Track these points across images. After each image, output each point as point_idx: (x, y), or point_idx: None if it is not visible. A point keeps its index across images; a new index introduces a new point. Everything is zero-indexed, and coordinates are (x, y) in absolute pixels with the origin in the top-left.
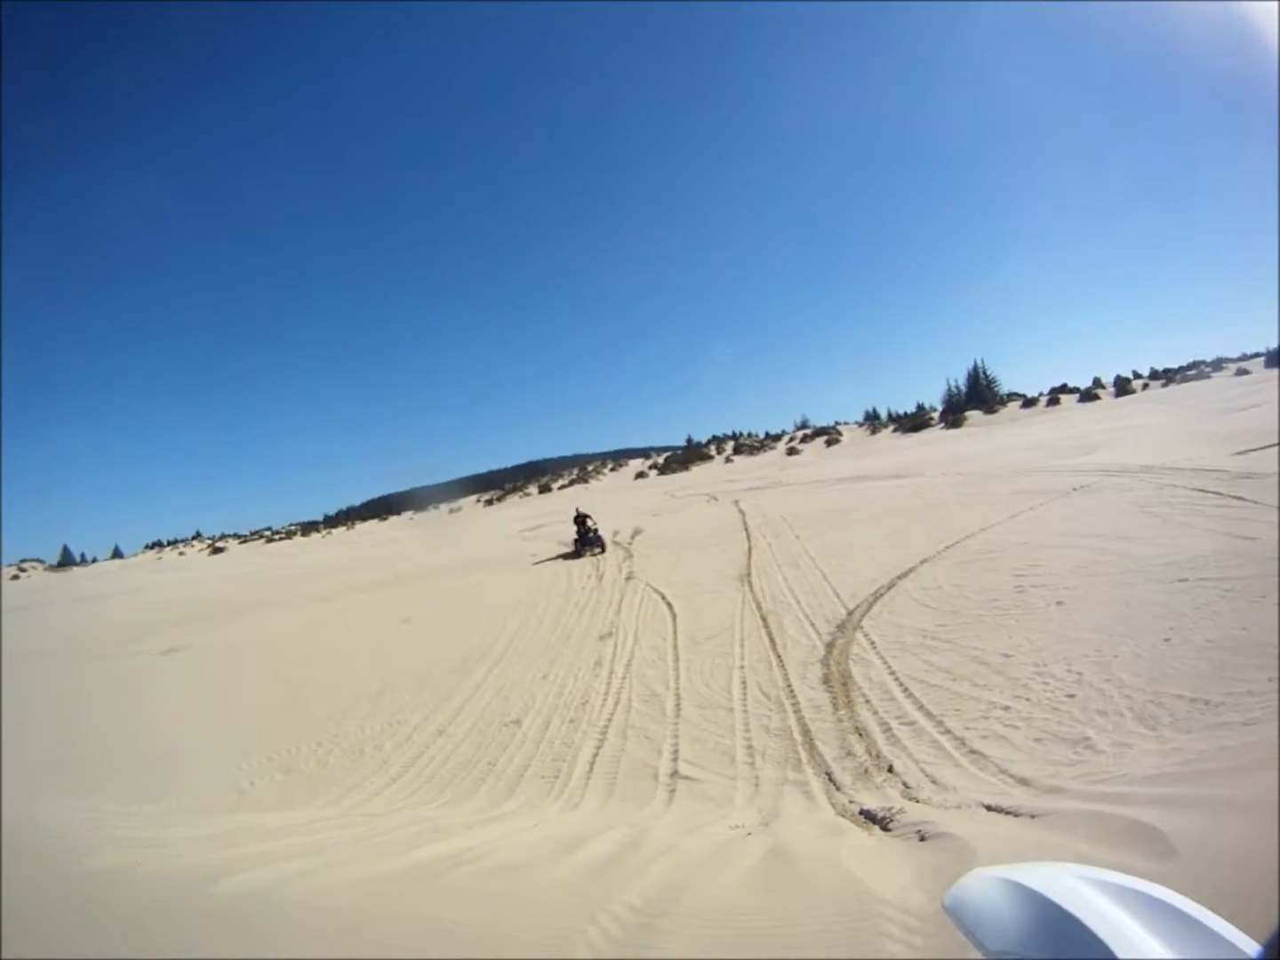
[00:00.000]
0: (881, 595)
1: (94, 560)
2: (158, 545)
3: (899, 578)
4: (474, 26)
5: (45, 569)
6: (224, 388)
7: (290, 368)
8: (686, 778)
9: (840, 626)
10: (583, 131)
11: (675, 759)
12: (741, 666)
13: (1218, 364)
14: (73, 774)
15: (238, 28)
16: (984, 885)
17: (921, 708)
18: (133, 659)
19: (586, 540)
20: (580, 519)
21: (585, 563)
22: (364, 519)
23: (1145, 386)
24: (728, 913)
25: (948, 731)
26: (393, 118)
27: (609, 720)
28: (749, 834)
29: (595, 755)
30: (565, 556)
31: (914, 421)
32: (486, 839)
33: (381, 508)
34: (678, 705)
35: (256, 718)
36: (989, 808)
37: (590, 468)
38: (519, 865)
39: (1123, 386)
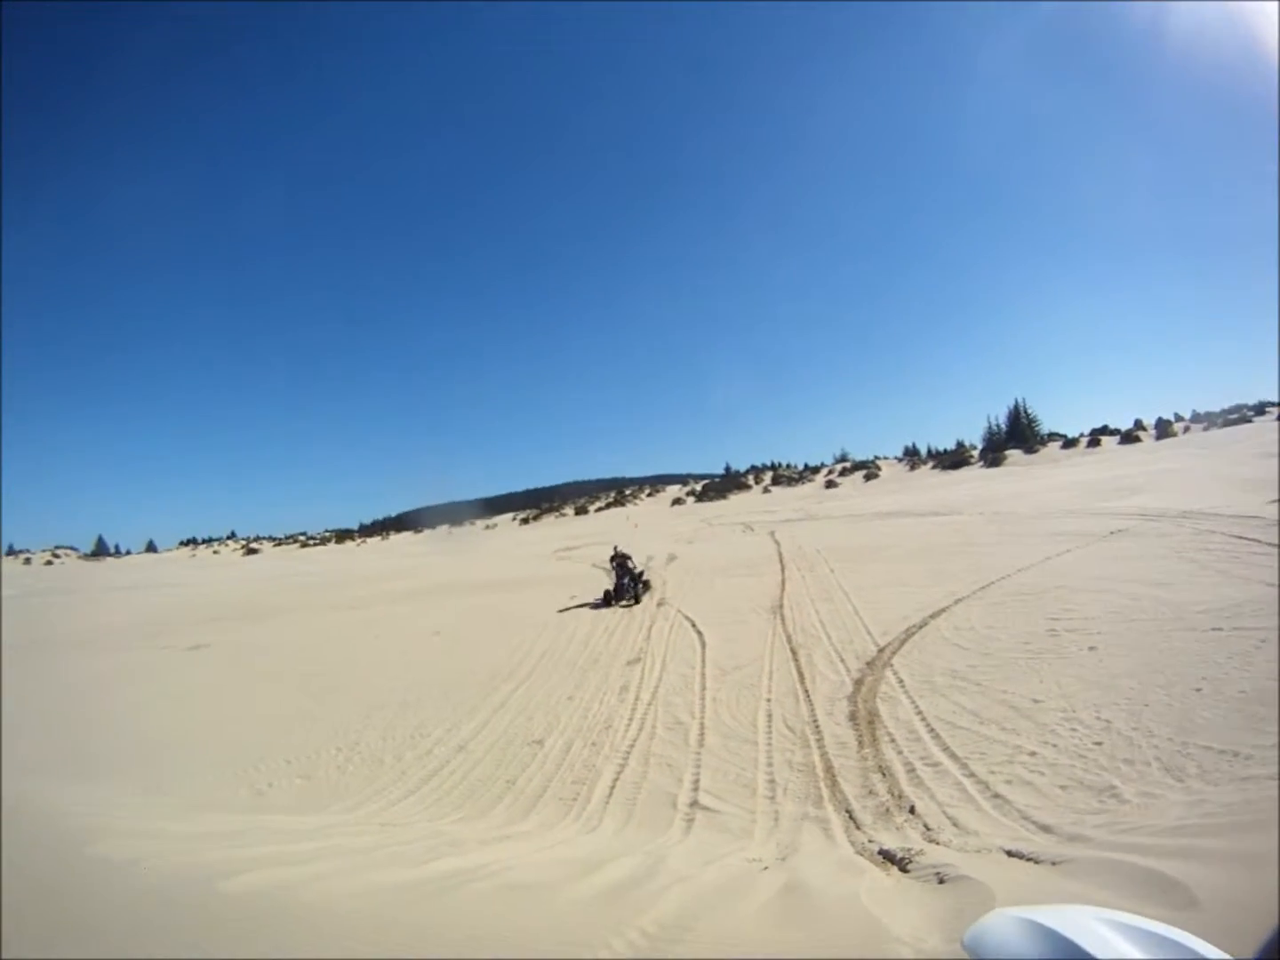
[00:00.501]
0: (913, 633)
1: (127, 552)
2: (192, 542)
3: (932, 616)
4: (503, 48)
5: (79, 557)
6: (270, 394)
7: (337, 376)
8: (706, 808)
9: (870, 663)
10: (622, 150)
11: (696, 789)
12: (768, 699)
13: (1260, 408)
14: (86, 763)
15: (295, 28)
16: (1004, 925)
17: (947, 749)
18: (158, 652)
19: (622, 590)
20: (619, 560)
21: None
22: (399, 530)
23: (1186, 429)
24: (741, 944)
25: (972, 775)
26: (429, 128)
27: (631, 746)
28: (765, 868)
29: (616, 780)
30: (593, 606)
31: (953, 459)
32: (502, 856)
33: (416, 520)
34: (701, 735)
35: (278, 720)
36: (1010, 853)
37: (628, 491)
38: (534, 884)
39: (1164, 429)
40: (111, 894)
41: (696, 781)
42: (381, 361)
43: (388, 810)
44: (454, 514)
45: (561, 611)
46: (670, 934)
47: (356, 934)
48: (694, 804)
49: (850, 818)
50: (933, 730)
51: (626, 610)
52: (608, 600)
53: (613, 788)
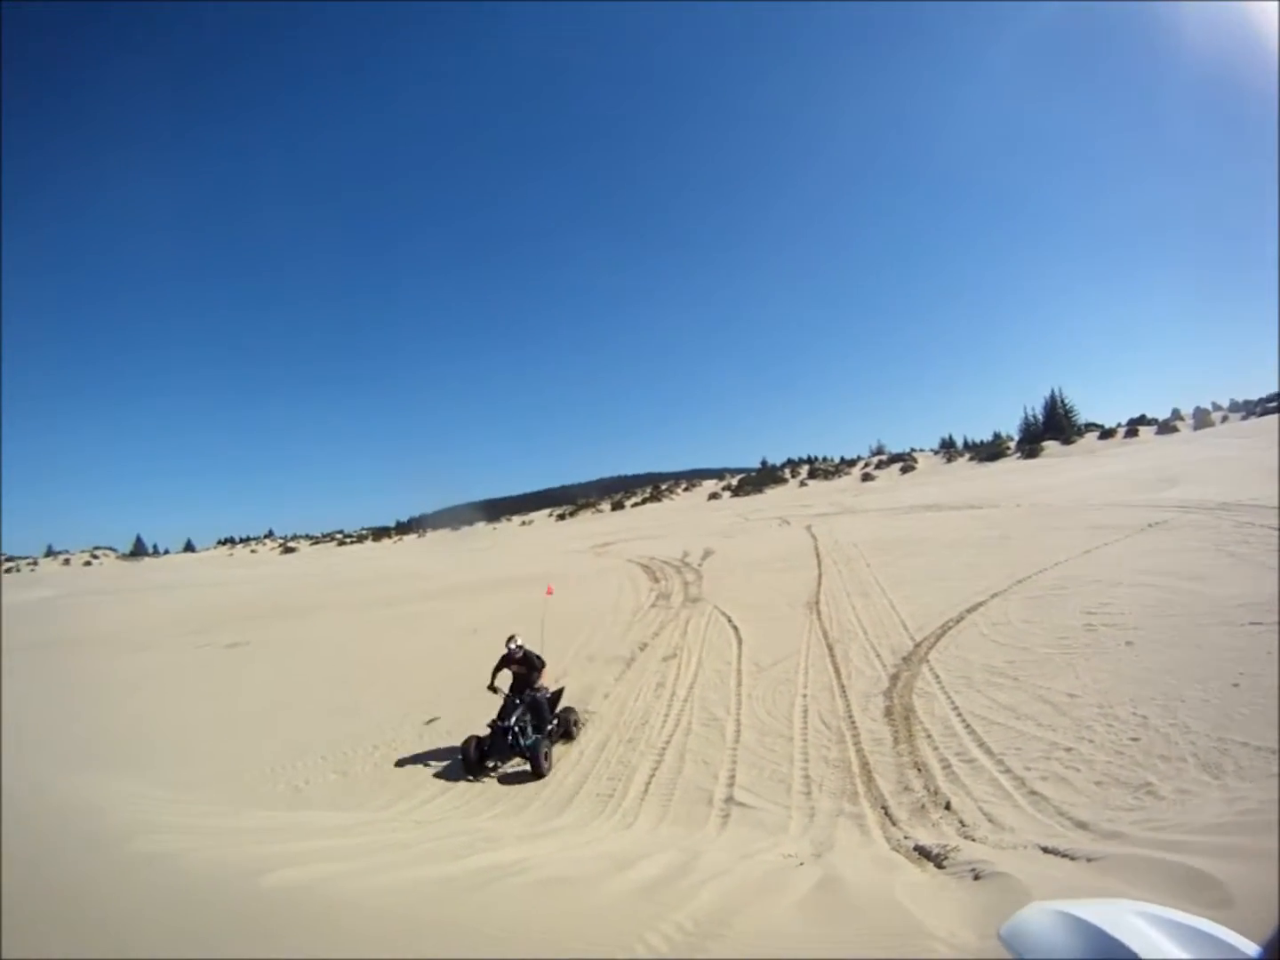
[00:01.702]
0: (950, 628)
1: (165, 552)
2: (230, 541)
3: (968, 611)
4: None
5: (117, 557)
6: (308, 395)
7: (376, 374)
8: (741, 804)
9: (906, 659)
10: (658, 155)
11: (731, 785)
12: (804, 695)
13: None
14: (128, 759)
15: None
16: (1041, 918)
17: (983, 745)
18: (197, 651)
19: (503, 737)
20: (516, 663)
21: (651, 580)
22: (435, 528)
23: (1224, 418)
24: (777, 939)
25: (1008, 771)
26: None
27: (668, 742)
28: (801, 864)
29: (651, 776)
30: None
31: (990, 451)
32: (538, 852)
33: (453, 517)
34: (738, 731)
35: (315, 716)
36: (1046, 850)
37: (664, 486)
38: (571, 879)
39: (1202, 419)
40: (152, 889)
41: (732, 777)
42: (421, 360)
43: (423, 807)
44: (491, 511)
45: (601, 597)
46: (706, 929)
47: (393, 929)
48: (729, 800)
49: (886, 814)
50: (969, 726)
51: (664, 606)
52: (470, 761)
53: (648, 784)
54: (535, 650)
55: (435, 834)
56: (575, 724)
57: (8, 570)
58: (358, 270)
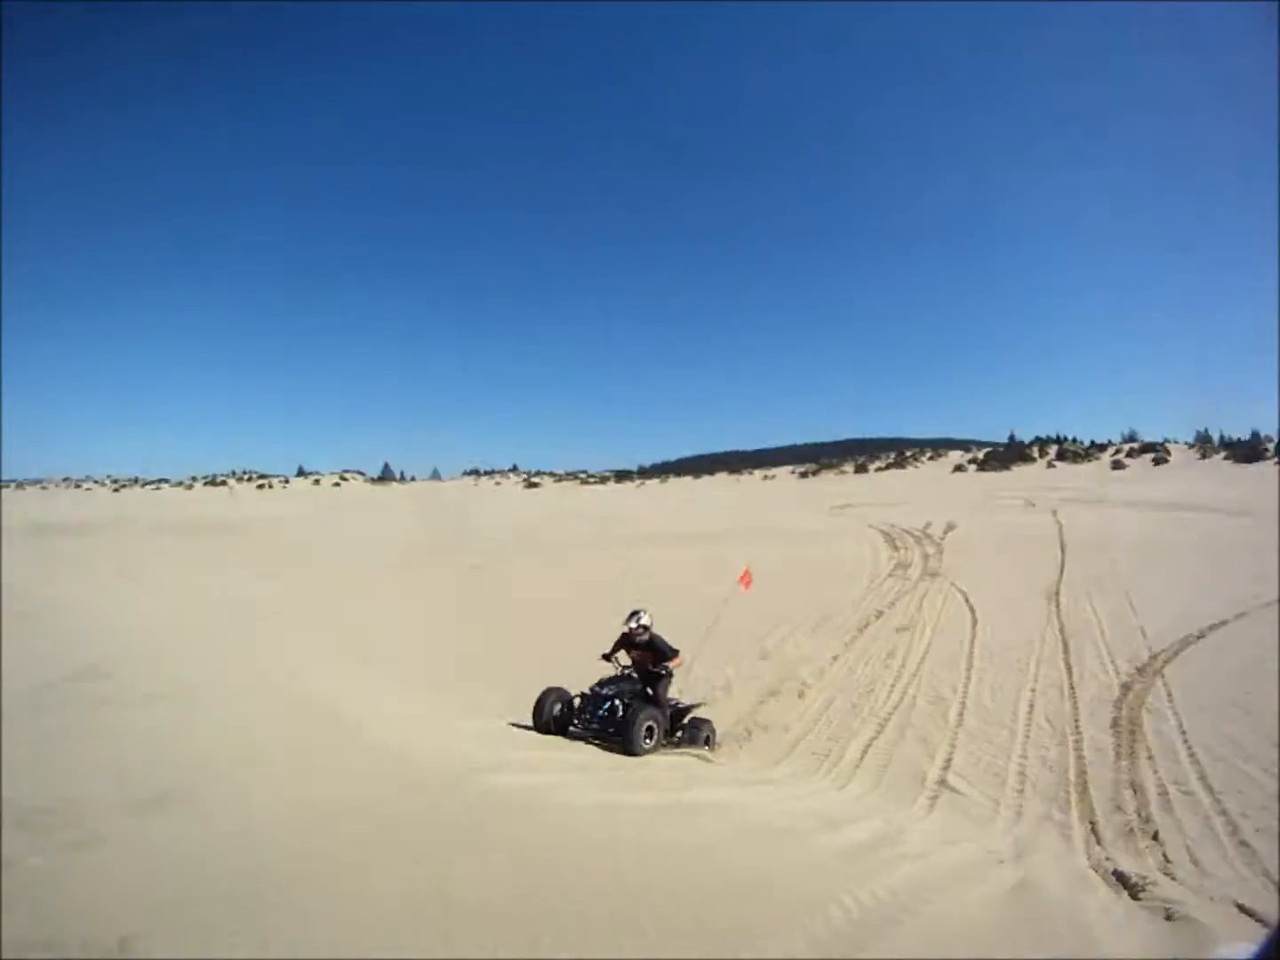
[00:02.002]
0: (1190, 643)
1: (411, 479)
2: (475, 473)
3: (1211, 628)
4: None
5: (365, 480)
6: (574, 333)
7: (637, 318)
8: (953, 789)
9: (1141, 669)
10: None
11: (946, 768)
12: (1033, 689)
13: None
14: (374, 661)
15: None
16: None
17: (1204, 779)
18: (439, 571)
19: (605, 715)
20: (638, 644)
21: (891, 549)
22: (678, 474)
23: None
24: (964, 931)
25: (1224, 812)
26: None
27: (891, 713)
28: (1002, 862)
29: (870, 744)
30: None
31: (1247, 451)
32: (750, 798)
33: (696, 467)
34: (961, 713)
35: (545, 640)
36: (1242, 908)
37: (908, 454)
38: (778, 830)
39: None
40: (385, 778)
41: (949, 761)
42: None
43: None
44: (731, 463)
45: (838, 558)
46: (901, 902)
47: (598, 840)
48: (942, 782)
49: (1093, 830)
50: (1193, 755)
51: (902, 576)
52: (540, 719)
53: (866, 751)
54: (667, 643)
55: (655, 765)
56: (709, 741)
57: (259, 486)
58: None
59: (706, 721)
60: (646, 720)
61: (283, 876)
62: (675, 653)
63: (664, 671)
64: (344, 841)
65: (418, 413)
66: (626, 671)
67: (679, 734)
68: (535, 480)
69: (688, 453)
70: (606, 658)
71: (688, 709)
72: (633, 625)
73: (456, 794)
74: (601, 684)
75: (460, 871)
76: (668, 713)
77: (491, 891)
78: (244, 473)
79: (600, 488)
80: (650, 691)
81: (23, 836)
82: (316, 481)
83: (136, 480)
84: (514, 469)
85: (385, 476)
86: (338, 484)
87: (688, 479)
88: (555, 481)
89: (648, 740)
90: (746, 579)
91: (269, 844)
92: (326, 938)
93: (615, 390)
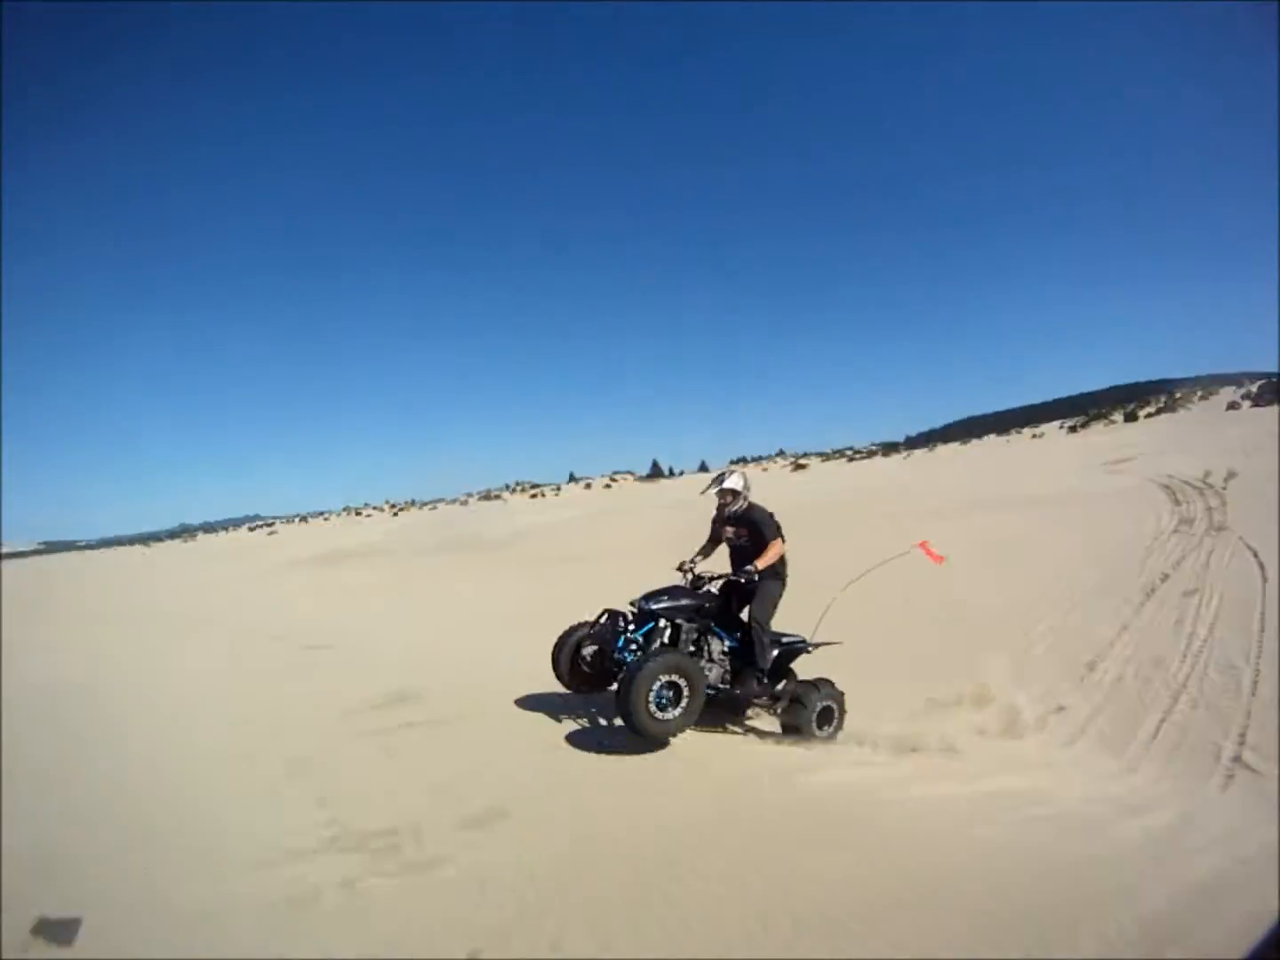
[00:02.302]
0: None
1: (681, 473)
2: (742, 461)
3: None
4: None
5: (634, 479)
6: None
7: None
8: (1248, 767)
9: None
10: None
11: (1241, 743)
12: None
13: None
14: None
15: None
16: None
17: None
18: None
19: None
20: (724, 522)
21: (1172, 502)
22: (944, 441)
23: None
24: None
25: None
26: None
27: (1182, 685)
28: None
29: (1161, 721)
30: None
31: None
32: (1044, 783)
33: (960, 431)
34: (1255, 682)
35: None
36: None
37: (1178, 395)
38: (1077, 817)
39: None
40: (701, 782)
41: (1243, 736)
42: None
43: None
44: (998, 424)
45: (1120, 522)
46: (1202, 902)
47: (933, 840)
48: (1236, 759)
49: None
50: None
51: (1186, 532)
52: (560, 665)
53: (1158, 729)
54: (771, 519)
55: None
56: (830, 719)
57: (533, 494)
58: None
59: (828, 684)
60: (672, 671)
61: (614, 886)
62: (778, 532)
63: (760, 577)
64: (675, 849)
65: (679, 410)
66: (706, 582)
67: (781, 691)
68: (802, 462)
69: (953, 417)
70: (683, 568)
71: (797, 649)
72: (725, 497)
73: (777, 795)
74: (650, 597)
75: (812, 874)
76: (768, 647)
77: (849, 895)
78: (517, 484)
79: (866, 462)
80: (733, 610)
81: (361, 858)
82: (587, 485)
83: (413, 502)
84: (780, 453)
85: (654, 474)
86: (608, 485)
87: (954, 445)
88: (822, 461)
89: (671, 709)
90: (928, 551)
91: (596, 857)
92: (680, 946)
93: (872, 358)
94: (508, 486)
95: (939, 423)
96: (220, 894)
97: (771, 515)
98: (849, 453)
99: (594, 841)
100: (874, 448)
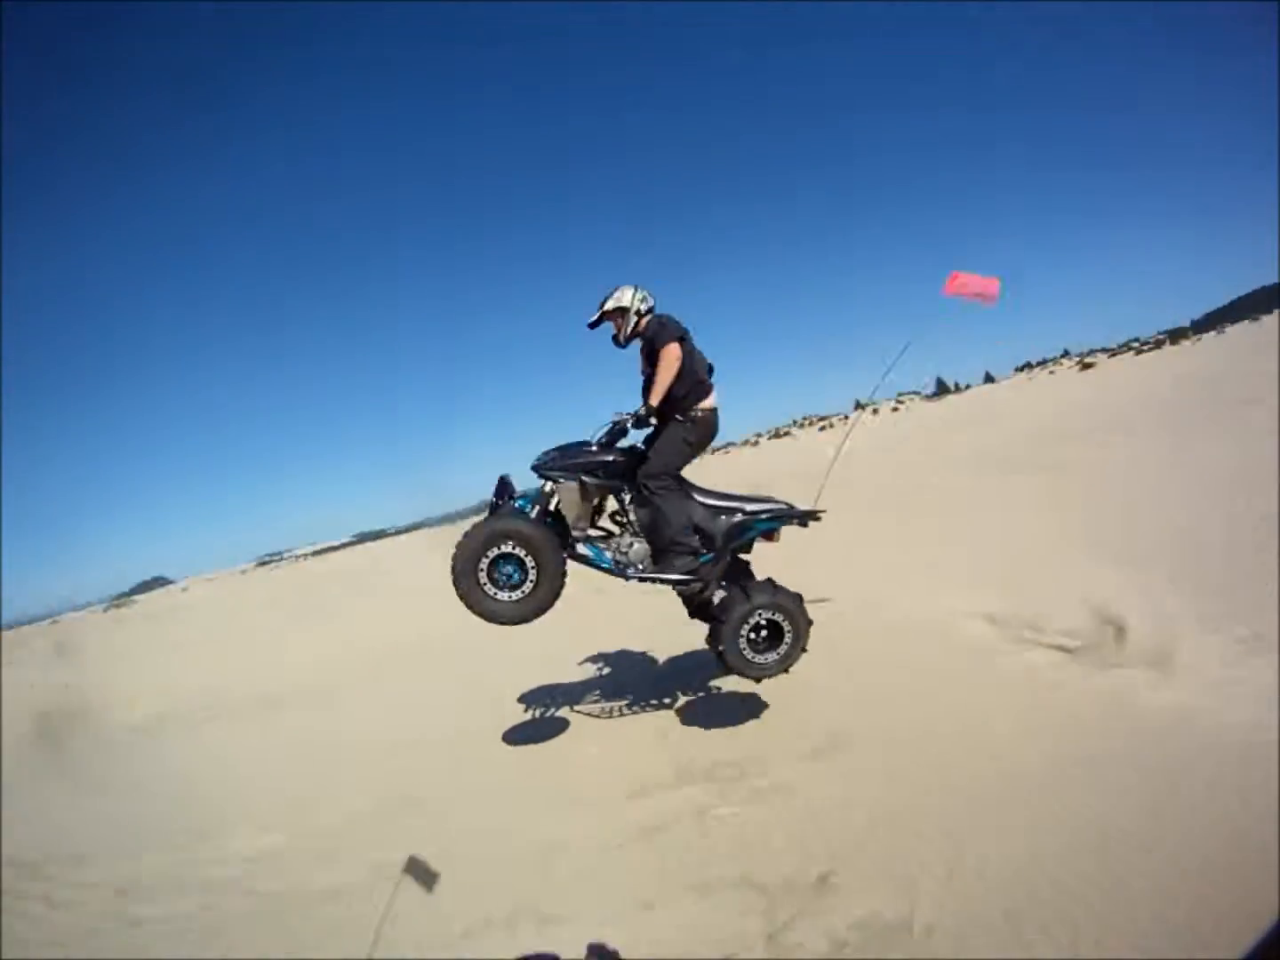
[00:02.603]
0: None
1: (967, 386)
2: (1027, 366)
3: None
4: None
5: (922, 398)
6: None
7: None
8: None
9: None
10: None
11: None
12: None
13: None
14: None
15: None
16: None
17: None
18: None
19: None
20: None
21: None
22: (1233, 321)
23: None
24: None
25: None
26: None
27: None
28: None
29: None
30: None
31: None
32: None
33: (1253, 303)
34: None
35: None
36: None
37: None
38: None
39: None
40: (1024, 710)
41: None
42: None
43: None
44: None
45: None
46: None
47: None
48: None
49: None
50: None
51: None
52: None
53: None
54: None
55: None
56: (786, 630)
57: (820, 428)
58: None
59: (770, 587)
60: (501, 539)
61: (933, 808)
62: (671, 339)
63: (654, 414)
64: (1002, 772)
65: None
66: (623, 419)
67: (706, 581)
68: (1089, 360)
69: (1242, 290)
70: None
71: (745, 524)
72: (604, 311)
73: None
74: (544, 455)
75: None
76: (670, 513)
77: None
78: (804, 418)
79: (1158, 354)
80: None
81: (711, 786)
82: (875, 411)
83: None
84: (1065, 354)
85: (940, 391)
86: (895, 408)
87: (1244, 324)
88: (1109, 356)
89: (507, 590)
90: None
91: (923, 783)
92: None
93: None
94: (793, 421)
95: (1223, 299)
96: (571, 827)
97: (669, 319)
98: (1135, 345)
99: (909, 769)
100: (1161, 335)
